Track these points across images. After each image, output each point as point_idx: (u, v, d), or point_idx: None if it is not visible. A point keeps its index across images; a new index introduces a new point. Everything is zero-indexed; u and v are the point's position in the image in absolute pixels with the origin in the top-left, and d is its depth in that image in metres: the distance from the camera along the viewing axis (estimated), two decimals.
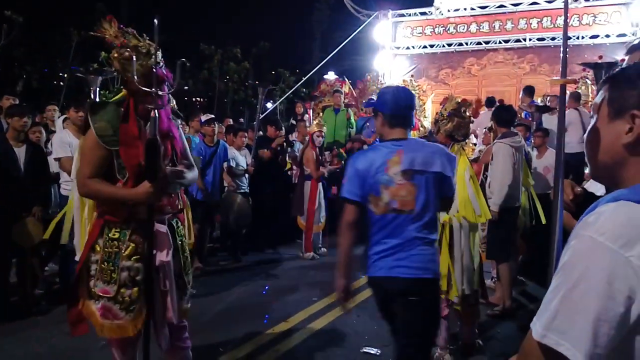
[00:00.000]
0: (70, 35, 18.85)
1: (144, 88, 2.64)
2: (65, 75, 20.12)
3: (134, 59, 2.63)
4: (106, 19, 2.73)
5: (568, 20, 9.32)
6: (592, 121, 1.22)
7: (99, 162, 2.74)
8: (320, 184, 7.65)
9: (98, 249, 2.83)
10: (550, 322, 1.03)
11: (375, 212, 2.77)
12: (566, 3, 1.87)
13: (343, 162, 8.92)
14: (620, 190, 1.09)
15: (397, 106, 2.79)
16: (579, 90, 11.25)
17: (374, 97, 11.57)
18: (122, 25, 2.76)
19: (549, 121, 8.71)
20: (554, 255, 1.73)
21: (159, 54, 2.71)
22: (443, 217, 3.69)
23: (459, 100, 4.09)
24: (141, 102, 2.74)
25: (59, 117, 7.42)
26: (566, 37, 2.00)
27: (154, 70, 2.64)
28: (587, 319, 0.97)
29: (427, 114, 13.28)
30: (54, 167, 5.70)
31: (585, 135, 1.24)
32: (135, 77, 2.61)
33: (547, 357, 1.04)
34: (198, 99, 26.72)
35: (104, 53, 15.41)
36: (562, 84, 1.82)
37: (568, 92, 11.15)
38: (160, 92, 2.69)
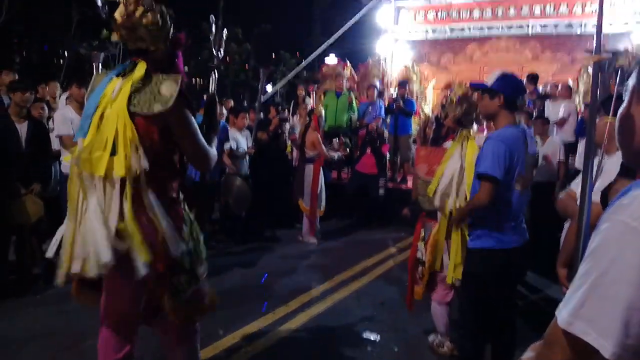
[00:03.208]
0: (71, 13, 18.67)
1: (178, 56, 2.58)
2: (66, 53, 19.95)
3: (167, 24, 2.48)
4: None
5: (572, 8, 9.20)
6: (623, 107, 1.17)
7: None
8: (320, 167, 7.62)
9: (187, 237, 2.59)
10: (578, 309, 0.98)
11: (520, 189, 3.11)
12: None
13: (348, 149, 8.94)
14: None
15: (520, 92, 3.27)
16: (581, 80, 11.28)
17: (376, 82, 11.57)
18: None
19: (549, 109, 8.75)
20: (580, 242, 1.71)
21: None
22: (452, 202, 3.69)
23: (465, 84, 4.07)
24: (165, 70, 2.51)
25: (60, 95, 7.37)
26: (602, 11, 1.96)
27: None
28: (618, 308, 0.92)
29: (427, 100, 13.23)
30: (55, 144, 5.66)
31: (617, 121, 1.19)
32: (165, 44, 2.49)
33: (573, 347, 1.00)
34: (198, 79, 26.59)
35: (105, 31, 15.31)
36: (596, 60, 1.79)
37: (570, 82, 11.20)
38: (220, 54, 2.87)
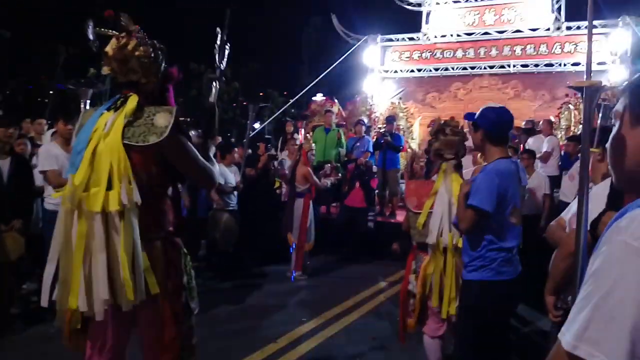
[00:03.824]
0: (58, 51, 18.80)
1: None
2: (51, 92, 20.01)
3: (159, 58, 2.52)
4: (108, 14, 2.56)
5: (551, 49, 9.52)
6: (615, 129, 1.19)
7: None
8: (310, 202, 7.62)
9: (183, 271, 2.58)
10: (582, 332, 0.96)
11: (515, 222, 3.13)
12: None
13: (340, 174, 8.98)
14: None
15: (500, 126, 3.20)
16: (562, 116, 11.55)
17: (364, 119, 11.71)
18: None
19: (529, 144, 8.97)
20: (578, 265, 1.72)
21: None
22: (448, 238, 3.71)
23: (442, 120, 4.13)
24: (156, 103, 2.52)
25: (47, 131, 7.38)
26: (590, 42, 2.01)
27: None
28: (624, 328, 0.91)
29: (414, 135, 13.41)
30: (38, 180, 5.60)
31: (609, 143, 1.21)
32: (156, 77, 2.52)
33: None
34: (187, 118, 26.69)
35: (92, 69, 15.43)
36: (586, 85, 1.83)
37: (552, 118, 11.43)
38: (222, 66, 2.96)
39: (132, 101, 2.42)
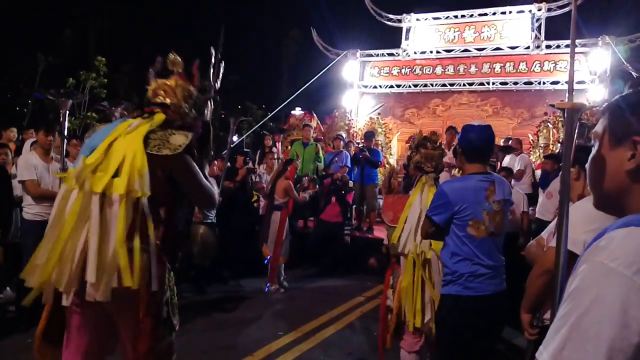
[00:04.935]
0: (37, 61, 18.59)
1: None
2: (30, 101, 19.77)
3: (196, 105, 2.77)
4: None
5: (530, 67, 9.67)
6: (594, 150, 1.20)
7: None
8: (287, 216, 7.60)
9: (167, 285, 2.62)
10: (559, 351, 0.96)
11: (475, 235, 3.09)
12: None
13: (317, 186, 9.00)
14: (632, 216, 1.06)
15: (477, 143, 3.20)
16: (541, 134, 11.70)
17: (342, 134, 11.76)
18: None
19: (509, 162, 9.11)
20: (557, 282, 1.74)
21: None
22: (413, 247, 3.75)
23: (425, 135, 4.18)
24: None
25: (20, 140, 7.31)
26: (573, 61, 2.05)
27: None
28: (600, 349, 0.91)
29: (392, 151, 13.48)
30: (16, 190, 5.54)
31: (588, 164, 1.22)
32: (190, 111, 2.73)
33: None
34: None
35: (71, 79, 15.28)
36: (569, 107, 1.86)
37: (531, 136, 11.62)
38: (217, 85, 3.06)
39: (160, 115, 2.59)
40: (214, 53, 3.10)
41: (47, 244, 2.34)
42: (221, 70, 3.20)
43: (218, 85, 3.12)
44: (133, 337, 2.48)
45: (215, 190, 2.77)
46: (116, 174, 2.34)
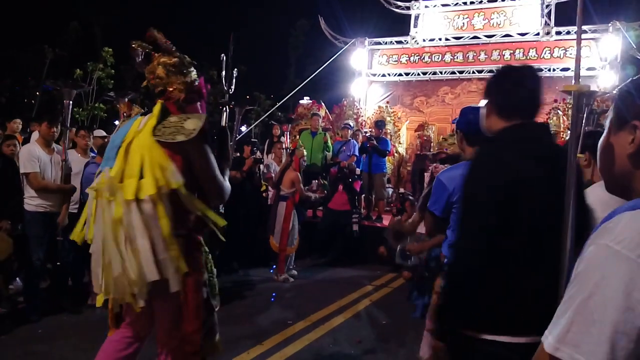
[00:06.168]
0: (44, 53, 18.66)
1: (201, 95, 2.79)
2: (38, 93, 19.87)
3: (186, 68, 2.73)
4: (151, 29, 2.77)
5: (540, 53, 9.54)
6: (603, 136, 1.20)
7: None
8: (294, 205, 7.58)
9: (207, 266, 2.79)
10: (564, 334, 0.98)
11: None
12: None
13: (325, 192, 8.99)
14: (639, 199, 1.06)
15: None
16: (551, 121, 11.59)
17: (351, 122, 11.71)
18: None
19: None
20: (565, 266, 1.71)
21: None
22: None
23: None
24: (182, 112, 2.70)
25: (28, 132, 7.33)
26: (579, 45, 2.00)
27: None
28: (604, 331, 0.92)
29: (401, 140, 13.40)
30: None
31: (599, 149, 1.22)
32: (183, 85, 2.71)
33: None
34: None
35: (78, 70, 15.32)
36: (575, 90, 1.82)
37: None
38: (231, 91, 3.23)
39: (157, 106, 2.65)
40: (224, 59, 3.13)
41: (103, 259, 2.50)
42: (234, 77, 3.25)
43: (232, 90, 3.16)
44: (173, 320, 2.61)
45: (228, 187, 2.77)
46: (142, 175, 2.43)
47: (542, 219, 1.93)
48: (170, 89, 2.69)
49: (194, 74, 2.78)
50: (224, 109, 3.04)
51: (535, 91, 2.17)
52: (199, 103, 2.82)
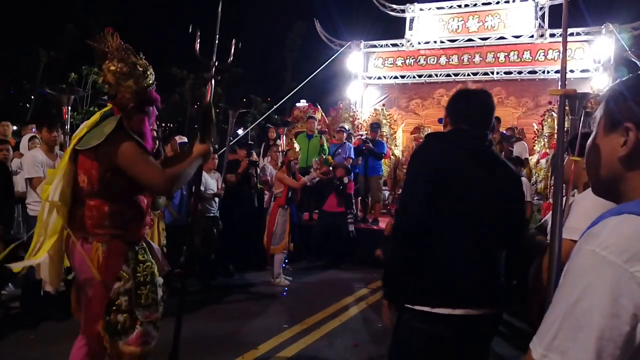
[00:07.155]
0: (39, 56, 18.62)
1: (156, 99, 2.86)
2: (32, 97, 19.82)
3: (140, 74, 2.74)
4: (107, 31, 2.75)
5: (535, 56, 9.57)
6: (591, 138, 1.19)
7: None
8: (287, 208, 7.56)
9: (126, 276, 2.69)
10: (551, 341, 0.97)
11: None
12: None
13: (330, 168, 8.91)
14: (624, 204, 1.05)
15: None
16: (545, 123, 11.63)
17: (346, 125, 11.70)
18: (122, 42, 2.79)
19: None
20: (553, 271, 1.71)
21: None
22: None
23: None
24: (128, 118, 2.71)
25: (22, 136, 7.30)
26: (565, 49, 2.01)
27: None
28: (591, 338, 0.91)
29: (397, 142, 13.42)
30: (19, 186, 5.53)
31: (586, 150, 1.20)
32: (131, 92, 2.72)
33: None
34: (168, 124, 26.52)
35: (73, 74, 15.28)
36: (561, 94, 1.83)
37: (535, 125, 11.53)
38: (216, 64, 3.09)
39: (96, 115, 2.78)
40: (218, 31, 3.10)
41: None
42: (232, 49, 3.19)
43: (216, 64, 3.10)
44: (85, 317, 2.80)
45: (170, 174, 2.71)
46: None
47: (472, 201, 2.19)
48: (119, 96, 2.72)
49: (149, 79, 2.77)
50: (209, 84, 2.99)
51: (484, 106, 2.44)
52: (151, 108, 2.84)
